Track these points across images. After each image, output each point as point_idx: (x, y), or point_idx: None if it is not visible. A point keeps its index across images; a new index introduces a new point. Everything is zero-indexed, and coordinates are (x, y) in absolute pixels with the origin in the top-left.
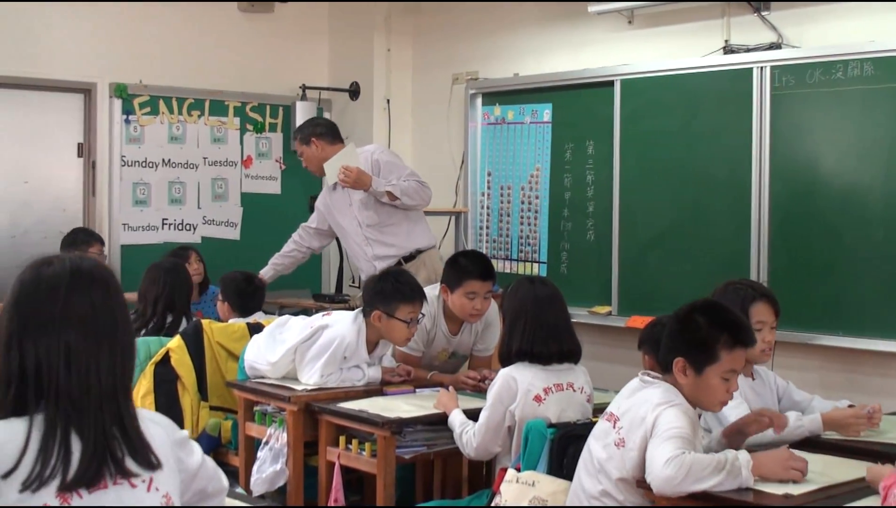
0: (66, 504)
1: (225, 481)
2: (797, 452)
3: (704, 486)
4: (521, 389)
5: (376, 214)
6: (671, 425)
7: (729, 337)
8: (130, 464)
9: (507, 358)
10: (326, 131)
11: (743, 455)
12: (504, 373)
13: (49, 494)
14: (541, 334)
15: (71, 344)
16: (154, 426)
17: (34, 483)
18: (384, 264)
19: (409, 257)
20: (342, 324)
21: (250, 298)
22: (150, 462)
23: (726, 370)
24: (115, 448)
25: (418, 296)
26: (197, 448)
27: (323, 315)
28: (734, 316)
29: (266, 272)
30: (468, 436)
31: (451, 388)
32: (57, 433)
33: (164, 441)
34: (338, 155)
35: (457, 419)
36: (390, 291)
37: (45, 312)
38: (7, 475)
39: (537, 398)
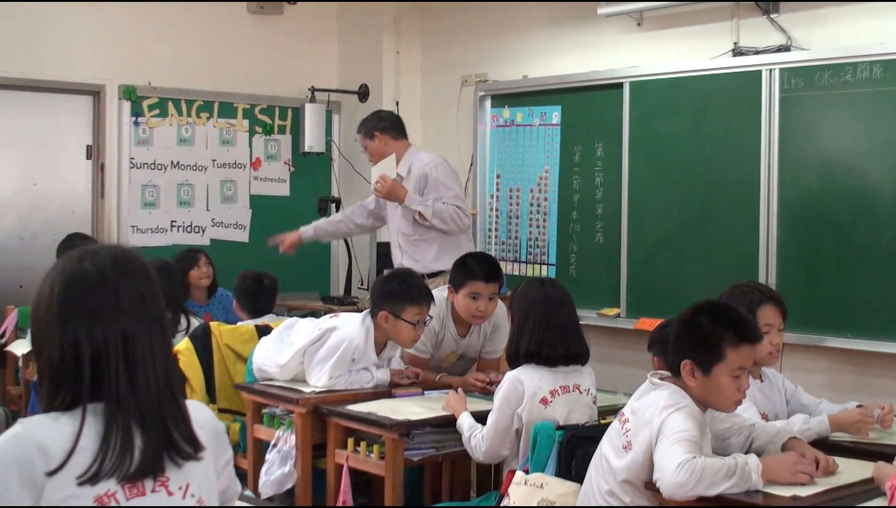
0: (103, 506)
1: (238, 485)
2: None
3: (715, 491)
4: (528, 391)
5: (412, 227)
6: (679, 428)
7: (734, 334)
8: (186, 447)
9: (514, 359)
10: (390, 126)
11: (752, 460)
12: (510, 376)
13: (87, 498)
14: (549, 335)
15: (127, 333)
16: (196, 412)
17: (93, 476)
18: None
19: (432, 275)
20: (350, 326)
21: (255, 297)
22: (199, 446)
23: (734, 368)
24: (174, 433)
25: (426, 298)
26: (229, 446)
27: (331, 317)
28: (737, 313)
29: (306, 231)
30: (477, 440)
31: (459, 390)
32: (119, 425)
33: (204, 433)
34: (386, 160)
35: (465, 422)
36: (397, 292)
37: (97, 302)
38: (53, 472)
39: (544, 401)
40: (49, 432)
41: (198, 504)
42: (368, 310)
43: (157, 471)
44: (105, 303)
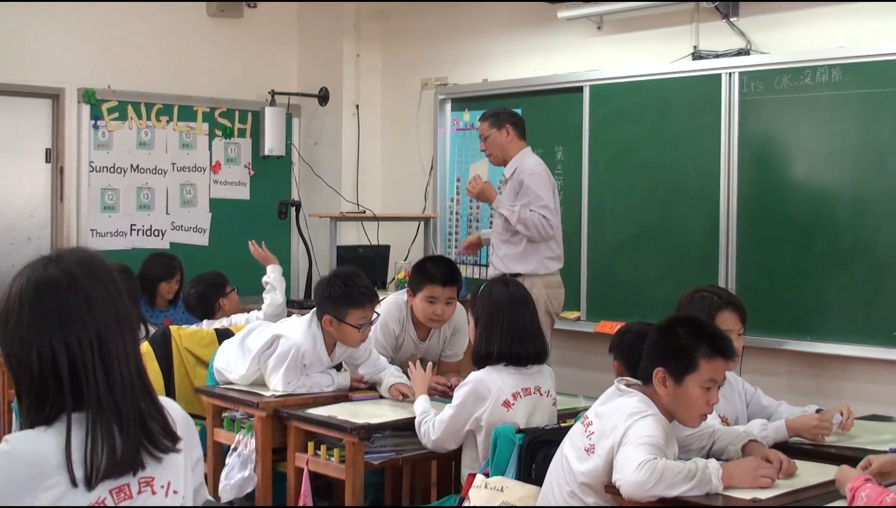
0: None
1: (206, 488)
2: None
3: (675, 493)
4: (492, 393)
5: (503, 226)
6: (643, 433)
7: (708, 347)
8: (164, 441)
9: (484, 360)
10: (519, 122)
11: (713, 464)
12: (476, 377)
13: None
14: (518, 335)
15: (101, 334)
16: (168, 408)
17: (87, 483)
18: (492, 272)
19: (515, 275)
20: (297, 332)
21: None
22: (176, 438)
23: (706, 380)
24: (151, 427)
25: (368, 300)
26: (199, 442)
27: (281, 321)
28: (714, 328)
29: (485, 233)
30: (427, 427)
31: (429, 367)
32: (102, 429)
33: (178, 429)
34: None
35: (420, 405)
36: (339, 296)
37: (69, 306)
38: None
39: (506, 404)
40: (39, 447)
41: (183, 500)
42: (314, 312)
43: (136, 468)
44: (77, 307)
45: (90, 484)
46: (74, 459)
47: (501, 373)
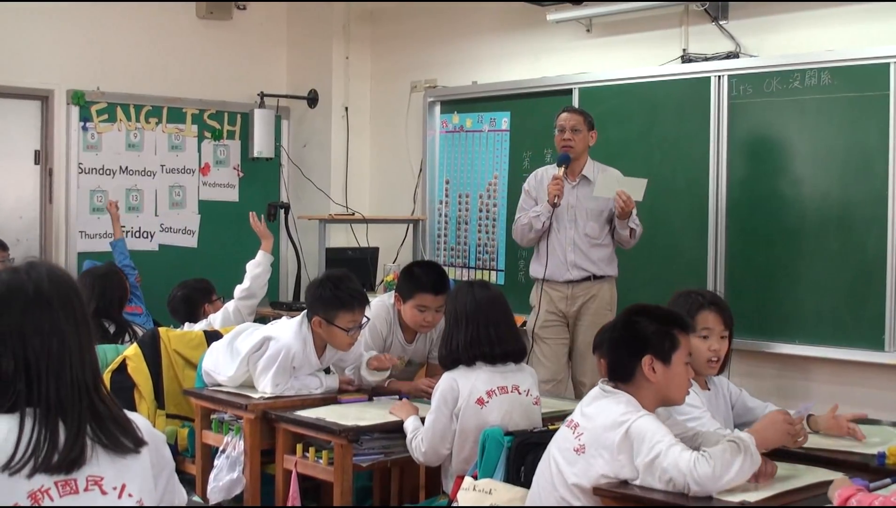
0: (37, 505)
1: (184, 493)
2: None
3: (734, 471)
4: (464, 392)
5: (600, 230)
6: (657, 433)
7: (677, 325)
8: (122, 440)
9: (450, 363)
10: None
11: (745, 435)
12: (447, 376)
13: (21, 493)
14: (483, 336)
15: (60, 341)
16: (136, 419)
17: (20, 467)
18: (577, 274)
19: (597, 277)
20: (287, 334)
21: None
22: (137, 439)
23: (686, 355)
24: (106, 424)
25: (359, 304)
26: (171, 458)
27: (270, 324)
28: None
29: None
30: (417, 442)
31: (404, 400)
32: (47, 422)
33: (145, 432)
34: (625, 178)
35: (410, 425)
36: (329, 298)
37: (32, 316)
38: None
39: (479, 401)
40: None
41: (138, 503)
42: (304, 314)
43: (81, 463)
44: (38, 316)
45: (21, 469)
46: (20, 449)
47: (474, 371)
